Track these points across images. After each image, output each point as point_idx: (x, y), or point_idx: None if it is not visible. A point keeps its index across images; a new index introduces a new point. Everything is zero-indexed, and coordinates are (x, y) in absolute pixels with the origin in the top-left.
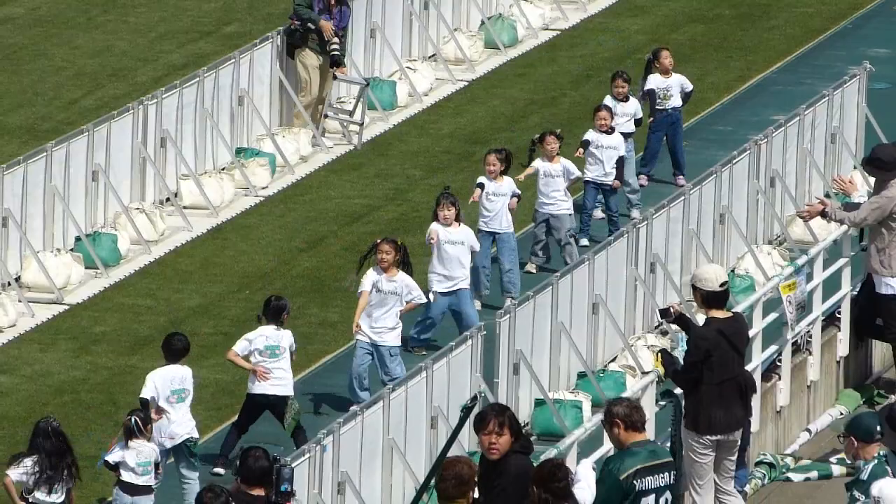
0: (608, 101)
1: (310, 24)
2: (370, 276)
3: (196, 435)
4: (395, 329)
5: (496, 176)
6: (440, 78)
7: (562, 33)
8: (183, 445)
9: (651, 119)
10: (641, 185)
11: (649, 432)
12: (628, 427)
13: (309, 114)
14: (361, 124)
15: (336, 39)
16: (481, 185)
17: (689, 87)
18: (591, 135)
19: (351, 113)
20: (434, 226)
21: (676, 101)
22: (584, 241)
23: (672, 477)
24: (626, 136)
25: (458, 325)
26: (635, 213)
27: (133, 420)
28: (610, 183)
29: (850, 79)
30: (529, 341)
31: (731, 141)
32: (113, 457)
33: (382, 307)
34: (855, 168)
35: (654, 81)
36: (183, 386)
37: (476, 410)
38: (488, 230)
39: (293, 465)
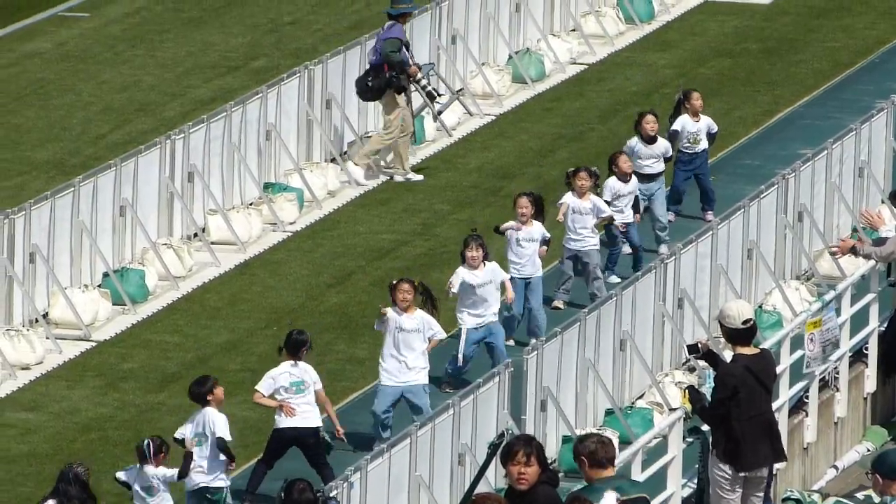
0: (633, 142)
1: (399, 69)
2: (391, 316)
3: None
4: (426, 369)
5: (528, 220)
6: (468, 113)
7: (589, 67)
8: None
9: (675, 159)
10: (669, 222)
11: (676, 469)
12: (593, 464)
13: (389, 149)
14: (457, 92)
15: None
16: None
17: (715, 128)
18: (611, 185)
19: (438, 106)
20: (459, 272)
21: (704, 144)
22: (614, 279)
23: None
24: (656, 175)
25: (491, 358)
26: (663, 249)
27: (145, 443)
28: (632, 220)
29: (878, 112)
30: (556, 378)
31: (759, 175)
32: (120, 475)
33: (409, 347)
34: (883, 202)
35: (685, 123)
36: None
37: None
38: (521, 276)
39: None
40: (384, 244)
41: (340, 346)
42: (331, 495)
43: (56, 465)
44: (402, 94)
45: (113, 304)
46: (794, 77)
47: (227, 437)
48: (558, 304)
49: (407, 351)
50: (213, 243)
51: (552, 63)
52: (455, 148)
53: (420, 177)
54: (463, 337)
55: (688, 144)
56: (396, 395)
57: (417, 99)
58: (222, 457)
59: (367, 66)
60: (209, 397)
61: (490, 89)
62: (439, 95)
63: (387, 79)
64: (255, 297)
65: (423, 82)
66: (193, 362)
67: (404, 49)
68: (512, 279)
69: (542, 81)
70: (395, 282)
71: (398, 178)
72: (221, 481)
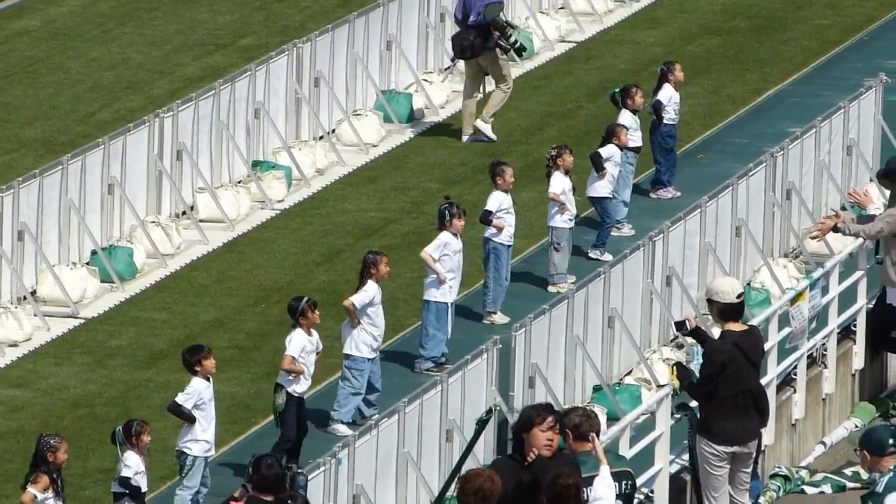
0: (626, 118)
1: (502, 30)
2: (376, 290)
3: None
4: None
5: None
6: (456, 90)
7: (578, 45)
8: None
9: (659, 132)
10: (675, 197)
11: (664, 445)
12: (577, 437)
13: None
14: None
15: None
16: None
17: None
18: (612, 150)
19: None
20: (444, 237)
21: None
22: (609, 256)
23: (628, 486)
24: (636, 150)
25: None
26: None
27: (115, 431)
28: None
29: (867, 91)
30: (545, 354)
31: (747, 153)
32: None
33: (381, 316)
34: (871, 180)
35: (671, 94)
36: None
37: (491, 423)
38: (510, 244)
39: (308, 478)
40: (372, 222)
41: (329, 324)
42: (298, 470)
43: None
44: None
45: (101, 282)
46: (783, 55)
47: (184, 404)
48: (569, 284)
49: (380, 321)
50: (201, 221)
51: (541, 41)
52: (443, 126)
53: (494, 136)
54: (450, 315)
55: (673, 116)
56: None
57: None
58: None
59: (459, 24)
60: (196, 367)
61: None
62: (524, 49)
63: (495, 41)
64: (243, 274)
65: (513, 38)
66: (181, 339)
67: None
68: (505, 246)
69: (531, 59)
70: (376, 254)
71: (480, 126)
72: (186, 448)
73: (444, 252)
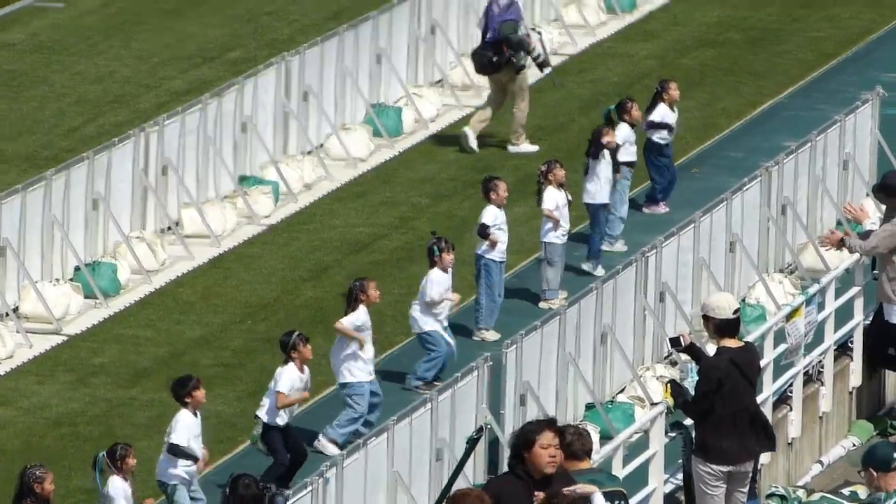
0: (623, 131)
1: (517, 47)
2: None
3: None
4: None
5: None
6: (447, 104)
7: (570, 58)
8: None
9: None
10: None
11: (658, 465)
12: (569, 456)
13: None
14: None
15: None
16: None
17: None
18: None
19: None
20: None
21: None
22: (601, 270)
23: None
24: (630, 164)
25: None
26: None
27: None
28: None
29: (863, 104)
30: (536, 372)
31: (742, 168)
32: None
33: (370, 343)
34: (867, 195)
35: (665, 114)
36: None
37: (481, 442)
38: (502, 260)
39: (296, 498)
40: (361, 238)
41: (316, 342)
42: (276, 491)
43: (25, 461)
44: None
45: (84, 298)
46: (779, 68)
47: (180, 443)
48: (561, 300)
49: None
50: (186, 237)
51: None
52: (433, 140)
53: (534, 147)
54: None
55: (665, 136)
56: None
57: None
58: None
59: (482, 40)
60: (186, 399)
61: (469, 80)
62: (549, 65)
63: (507, 58)
64: (229, 291)
65: (536, 53)
66: (166, 357)
67: (521, 26)
68: (497, 262)
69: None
70: (363, 280)
71: (513, 149)
72: (165, 477)
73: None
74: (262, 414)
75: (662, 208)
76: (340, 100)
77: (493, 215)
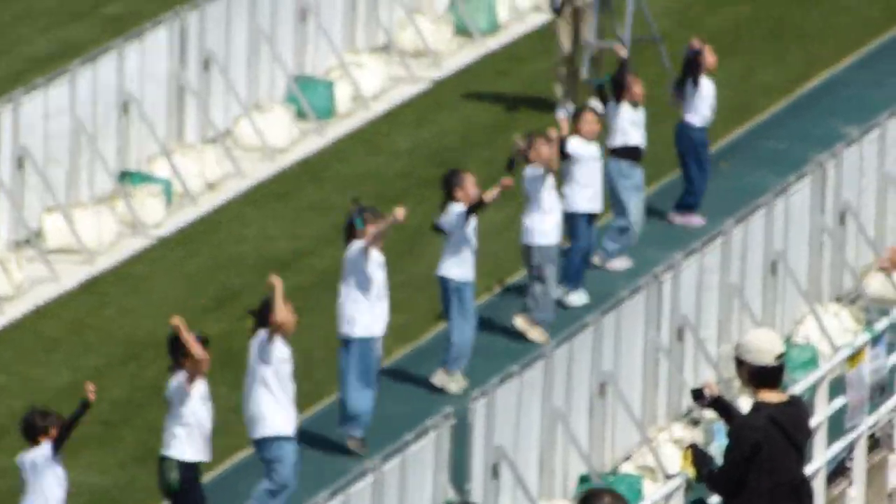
0: (626, 113)
1: None
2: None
3: None
4: None
5: None
6: (395, 76)
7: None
8: None
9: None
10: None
11: None
12: None
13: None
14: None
15: None
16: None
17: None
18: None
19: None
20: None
21: None
22: (584, 299)
23: None
24: (636, 153)
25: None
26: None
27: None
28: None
29: None
30: (513, 433)
31: (787, 162)
32: None
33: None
34: None
35: (705, 86)
36: None
37: None
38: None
39: None
40: (281, 254)
41: (221, 391)
42: None
43: None
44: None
45: None
46: (836, 29)
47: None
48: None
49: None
50: (49, 252)
51: (508, 10)
52: (377, 124)
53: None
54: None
55: (708, 115)
56: None
57: None
58: None
59: None
60: (41, 438)
61: (424, 45)
62: None
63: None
64: (106, 323)
65: None
66: (23, 411)
67: None
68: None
69: (495, 35)
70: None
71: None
72: None
73: (366, 270)
74: (177, 451)
75: (697, 220)
76: (253, 70)
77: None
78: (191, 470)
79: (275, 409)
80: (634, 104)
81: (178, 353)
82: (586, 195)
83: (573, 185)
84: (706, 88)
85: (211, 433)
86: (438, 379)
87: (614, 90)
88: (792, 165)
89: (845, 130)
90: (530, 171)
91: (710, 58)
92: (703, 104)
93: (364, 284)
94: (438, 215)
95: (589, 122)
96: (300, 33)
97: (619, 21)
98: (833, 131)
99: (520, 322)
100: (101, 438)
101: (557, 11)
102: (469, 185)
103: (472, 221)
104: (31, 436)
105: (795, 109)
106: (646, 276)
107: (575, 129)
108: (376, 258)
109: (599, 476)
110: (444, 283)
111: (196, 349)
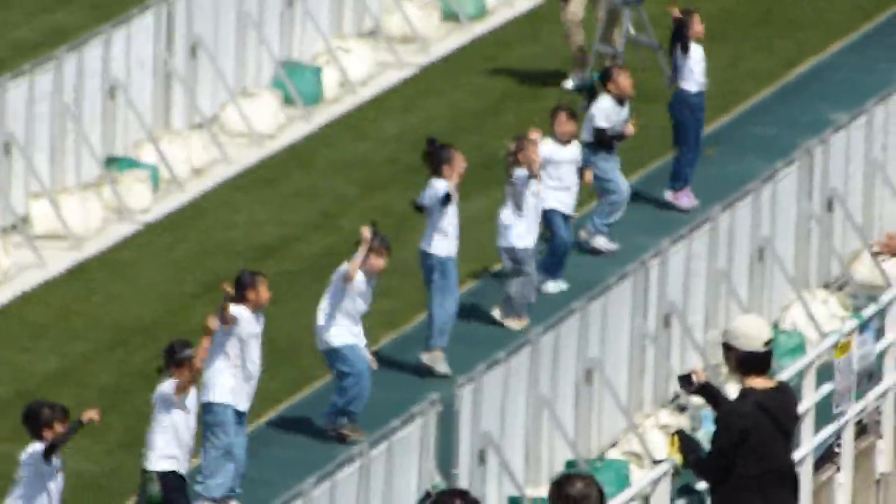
0: (604, 102)
1: None
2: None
3: None
4: None
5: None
6: (382, 62)
7: (546, 0)
8: None
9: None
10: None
11: None
12: None
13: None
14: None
15: None
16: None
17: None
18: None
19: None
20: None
21: None
22: (561, 286)
23: None
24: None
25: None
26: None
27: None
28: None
29: None
30: (499, 419)
31: (775, 148)
32: None
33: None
34: None
35: (694, 51)
36: None
37: None
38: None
39: None
40: (268, 240)
41: None
42: None
43: None
44: None
45: None
46: (825, 15)
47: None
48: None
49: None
50: (36, 237)
51: None
52: (365, 110)
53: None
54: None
55: (701, 80)
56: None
57: None
58: None
59: None
60: (44, 431)
61: (412, 30)
62: None
63: None
64: (93, 309)
65: None
66: (10, 398)
67: None
68: (448, 260)
69: (483, 19)
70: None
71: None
72: None
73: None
74: (156, 463)
75: (687, 200)
76: (240, 56)
77: (445, 189)
78: (172, 480)
79: (219, 377)
80: (619, 99)
81: (172, 360)
82: (560, 197)
83: (547, 187)
84: (696, 53)
85: (192, 445)
86: (427, 358)
87: (603, 85)
88: (780, 152)
89: (833, 116)
90: (518, 172)
91: (697, 26)
92: (696, 68)
93: (342, 307)
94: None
95: (562, 124)
96: (287, 18)
97: (619, 29)
98: (821, 117)
99: (497, 313)
100: (88, 426)
101: None
102: (458, 164)
103: (453, 203)
104: (35, 427)
105: (784, 96)
106: (633, 262)
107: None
108: (359, 285)
109: (586, 462)
110: (426, 258)
111: (199, 361)
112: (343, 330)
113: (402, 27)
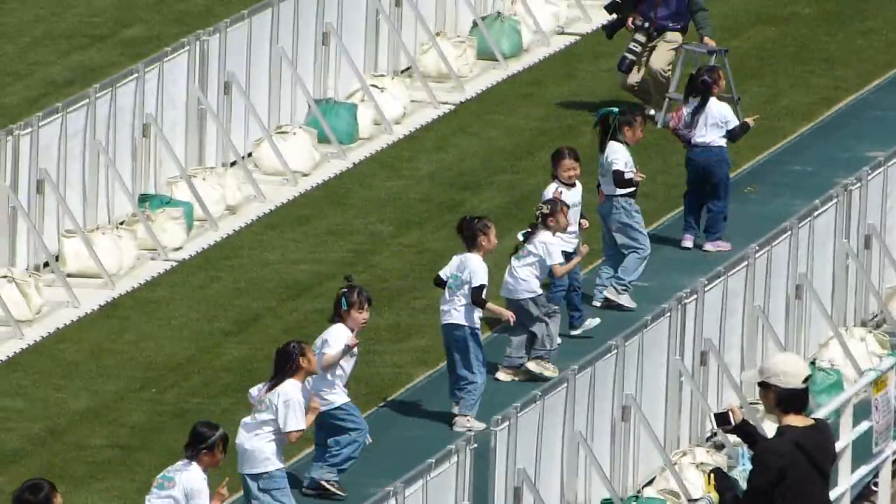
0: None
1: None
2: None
3: None
4: None
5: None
6: (417, 100)
7: (582, 39)
8: None
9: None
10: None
11: None
12: None
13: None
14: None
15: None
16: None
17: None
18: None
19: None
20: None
21: None
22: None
23: None
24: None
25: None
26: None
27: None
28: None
29: None
30: (534, 457)
31: (812, 186)
32: None
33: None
34: None
35: (722, 110)
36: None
37: None
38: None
39: None
40: (302, 278)
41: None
42: None
43: None
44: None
45: None
46: (862, 52)
47: None
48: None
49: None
50: (69, 276)
51: (532, 33)
52: (399, 148)
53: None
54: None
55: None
56: None
57: None
58: None
59: None
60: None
61: (448, 69)
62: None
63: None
64: (126, 347)
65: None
66: (43, 436)
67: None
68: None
69: (518, 58)
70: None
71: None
72: None
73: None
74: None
75: (726, 244)
76: (275, 94)
77: (482, 269)
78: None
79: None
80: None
81: (198, 446)
82: (566, 238)
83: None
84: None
85: None
86: (460, 423)
87: (619, 127)
88: (817, 190)
89: (870, 154)
90: (545, 235)
91: (722, 84)
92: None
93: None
94: (457, 238)
95: (566, 168)
96: (322, 56)
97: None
98: (859, 155)
99: (533, 366)
100: (119, 463)
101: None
102: (492, 236)
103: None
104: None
105: (820, 133)
106: (669, 300)
107: (553, 174)
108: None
109: (622, 500)
110: (459, 330)
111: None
112: (338, 390)
113: (437, 65)
